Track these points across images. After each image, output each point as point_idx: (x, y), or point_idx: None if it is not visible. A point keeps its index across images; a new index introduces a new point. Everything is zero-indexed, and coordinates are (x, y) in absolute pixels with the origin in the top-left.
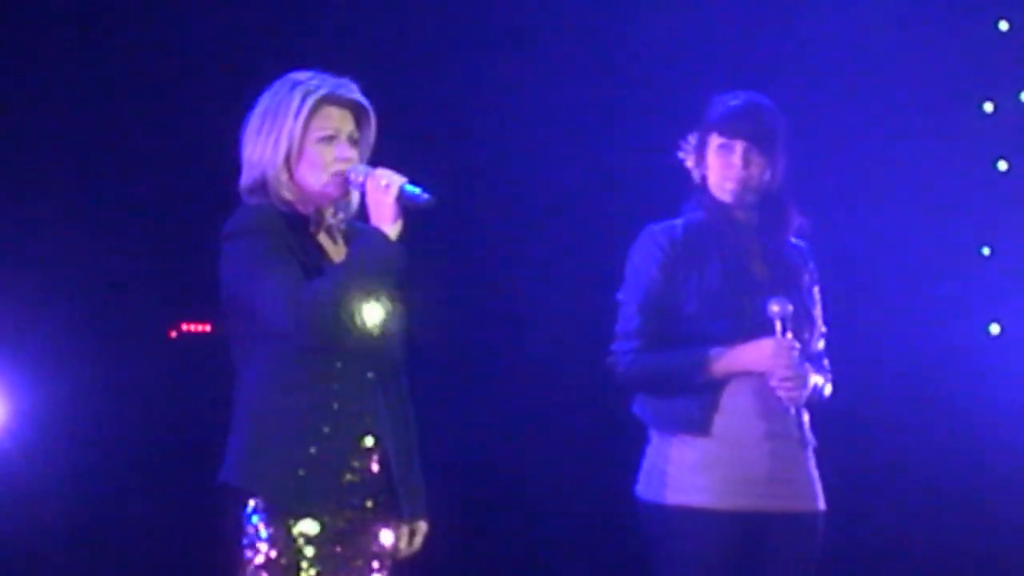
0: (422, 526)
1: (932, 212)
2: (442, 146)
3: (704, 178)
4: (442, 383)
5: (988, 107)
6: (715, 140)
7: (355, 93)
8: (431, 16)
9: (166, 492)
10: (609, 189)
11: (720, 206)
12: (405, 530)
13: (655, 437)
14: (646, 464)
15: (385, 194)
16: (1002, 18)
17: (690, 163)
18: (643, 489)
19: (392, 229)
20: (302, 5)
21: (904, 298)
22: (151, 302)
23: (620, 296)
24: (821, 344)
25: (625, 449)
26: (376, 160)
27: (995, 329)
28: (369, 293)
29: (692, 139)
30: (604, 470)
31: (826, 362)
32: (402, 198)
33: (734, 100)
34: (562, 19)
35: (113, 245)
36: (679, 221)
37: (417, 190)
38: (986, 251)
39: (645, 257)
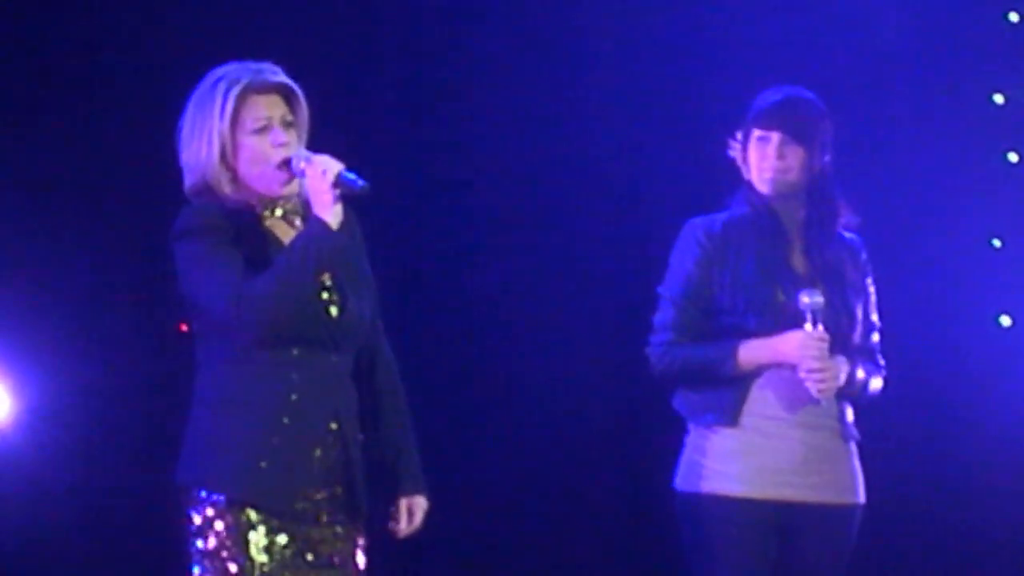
0: (421, 502)
1: (942, 204)
2: (483, 144)
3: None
4: (480, 379)
5: (998, 99)
6: (755, 133)
7: (278, 76)
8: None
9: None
10: (659, 183)
11: (762, 200)
12: (404, 505)
13: (692, 429)
14: (683, 456)
15: (323, 181)
16: (1012, 9)
17: (739, 159)
18: (680, 481)
19: (332, 216)
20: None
21: (914, 290)
22: (162, 296)
23: (660, 290)
24: (875, 337)
25: (664, 444)
26: (422, 148)
27: (1006, 321)
28: (312, 282)
29: (739, 135)
30: (644, 465)
31: (881, 359)
32: (339, 184)
33: (775, 94)
34: (602, 11)
35: (125, 238)
36: (722, 215)
37: (353, 176)
38: (997, 243)
39: (683, 252)
